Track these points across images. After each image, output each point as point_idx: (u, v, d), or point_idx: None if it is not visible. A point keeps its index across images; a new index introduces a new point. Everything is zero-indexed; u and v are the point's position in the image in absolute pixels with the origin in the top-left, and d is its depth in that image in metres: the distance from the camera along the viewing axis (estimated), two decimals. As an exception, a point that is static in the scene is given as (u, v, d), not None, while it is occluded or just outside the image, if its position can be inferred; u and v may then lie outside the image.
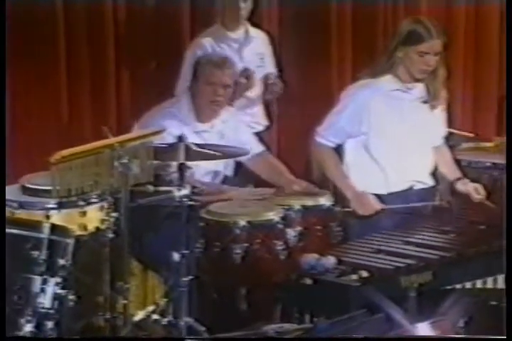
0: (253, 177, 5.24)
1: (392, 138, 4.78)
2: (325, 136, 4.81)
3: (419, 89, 4.82)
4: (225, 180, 5.22)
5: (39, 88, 5.61)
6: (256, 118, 5.90)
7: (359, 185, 4.79)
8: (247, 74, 5.68)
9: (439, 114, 4.94)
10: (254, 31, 5.91)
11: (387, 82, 4.77)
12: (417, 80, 4.78)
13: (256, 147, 5.21)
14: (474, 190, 4.87)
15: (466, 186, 4.89)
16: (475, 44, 6.83)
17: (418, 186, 4.86)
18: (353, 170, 4.84)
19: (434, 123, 4.92)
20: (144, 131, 4.43)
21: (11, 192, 4.52)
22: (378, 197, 4.75)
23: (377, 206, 4.71)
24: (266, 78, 5.87)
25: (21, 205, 4.39)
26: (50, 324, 3.94)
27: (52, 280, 3.97)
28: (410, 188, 4.84)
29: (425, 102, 4.83)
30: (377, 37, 6.25)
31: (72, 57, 5.69)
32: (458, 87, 6.55)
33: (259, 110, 5.97)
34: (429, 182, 4.91)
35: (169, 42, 5.97)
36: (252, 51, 5.86)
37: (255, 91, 5.84)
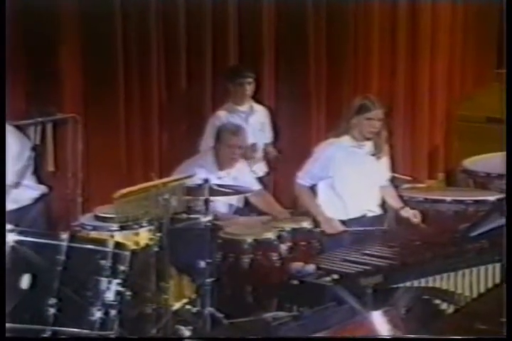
0: (255, 208, 5.21)
1: (350, 180, 4.75)
2: (303, 178, 4.79)
3: (368, 145, 4.80)
4: (237, 210, 5.19)
5: (107, 146, 5.58)
6: (260, 167, 5.85)
7: (327, 213, 4.77)
8: (253, 147, 5.65)
9: (384, 162, 4.92)
10: (256, 106, 5.87)
11: (346, 141, 4.76)
12: (367, 139, 4.78)
13: (256, 186, 5.18)
14: (413, 215, 4.84)
15: (407, 213, 4.86)
16: (411, 111, 6.85)
17: (370, 214, 4.83)
18: (323, 202, 4.81)
19: (380, 169, 4.90)
20: (180, 175, 4.42)
21: (87, 219, 4.54)
22: (341, 221, 4.72)
23: (341, 228, 4.69)
24: (265, 149, 5.88)
25: (94, 228, 4.39)
26: (113, 312, 3.83)
27: (115, 281, 3.87)
28: (364, 215, 4.81)
29: (373, 155, 4.82)
30: (342, 108, 6.25)
31: (128, 124, 5.67)
32: (398, 143, 6.57)
33: (262, 163, 5.93)
34: (378, 211, 4.88)
35: (196, 113, 5.95)
36: (255, 120, 5.81)
37: (259, 154, 5.83)
